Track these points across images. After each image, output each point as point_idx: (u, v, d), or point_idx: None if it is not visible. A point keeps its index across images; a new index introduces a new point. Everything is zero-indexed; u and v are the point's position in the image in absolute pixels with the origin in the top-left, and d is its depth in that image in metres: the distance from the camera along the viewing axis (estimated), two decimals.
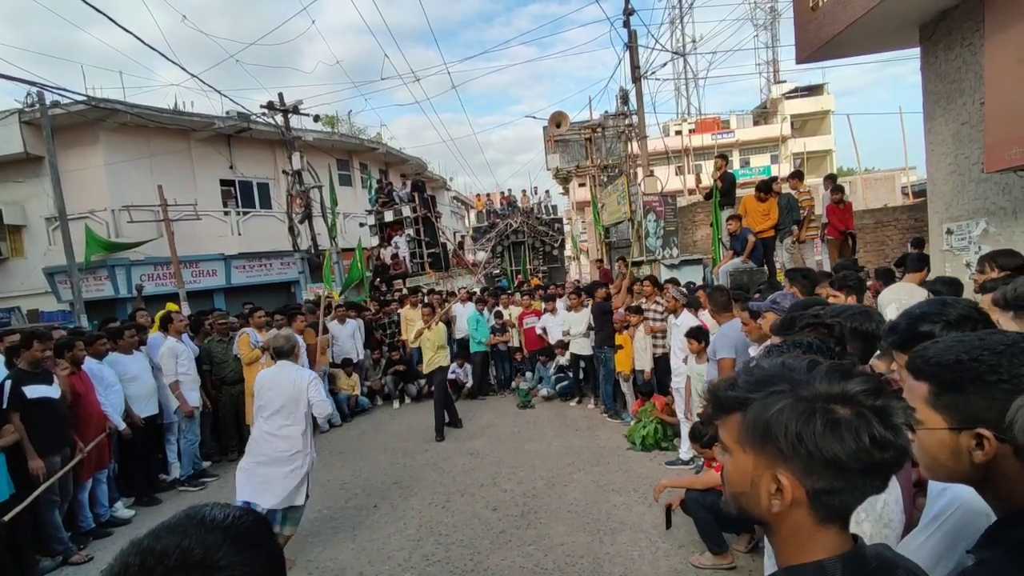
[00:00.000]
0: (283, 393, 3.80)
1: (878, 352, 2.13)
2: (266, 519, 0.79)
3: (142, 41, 8.43)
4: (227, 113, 16.80)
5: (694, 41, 28.53)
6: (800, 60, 6.02)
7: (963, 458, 0.97)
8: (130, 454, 5.48)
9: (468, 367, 9.16)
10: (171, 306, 6.80)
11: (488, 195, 23.75)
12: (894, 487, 1.38)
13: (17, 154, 14.02)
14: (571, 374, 8.36)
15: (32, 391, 4.20)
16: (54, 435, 4.29)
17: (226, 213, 17.20)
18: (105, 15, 7.19)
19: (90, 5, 6.86)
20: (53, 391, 4.34)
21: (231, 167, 17.39)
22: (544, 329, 8.82)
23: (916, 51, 5.51)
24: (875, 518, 1.32)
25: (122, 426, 5.14)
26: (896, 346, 1.55)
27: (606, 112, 17.25)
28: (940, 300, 1.69)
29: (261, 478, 3.75)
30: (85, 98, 12.35)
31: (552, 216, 21.49)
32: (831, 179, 8.63)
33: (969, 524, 1.18)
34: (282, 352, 3.93)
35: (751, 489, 0.82)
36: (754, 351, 3.26)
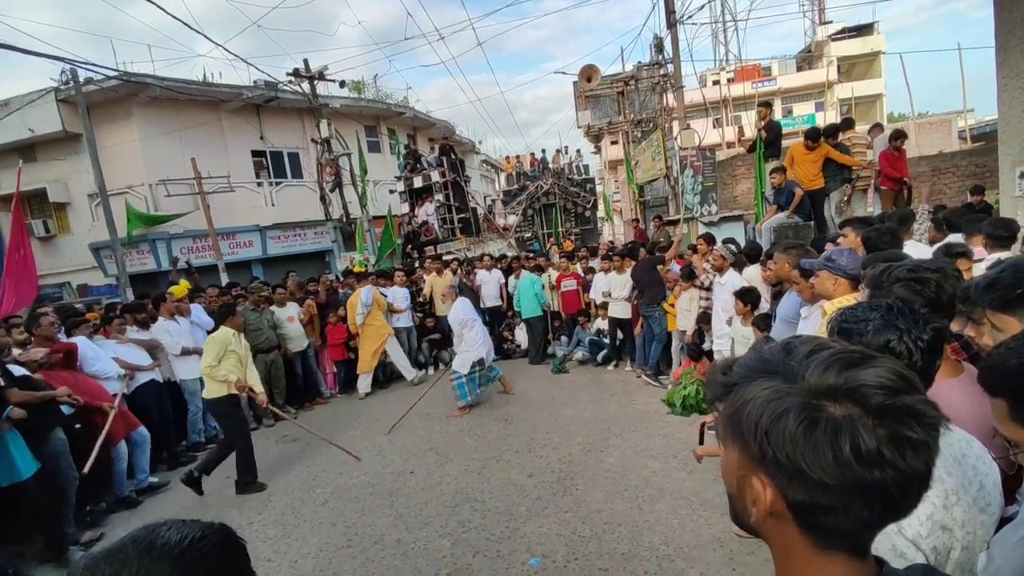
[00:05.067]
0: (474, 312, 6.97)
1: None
2: (238, 538, 0.65)
3: (166, 11, 8.35)
4: (255, 83, 16.77)
5: None
6: None
7: None
8: (163, 421, 5.69)
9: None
10: (184, 284, 7.07)
11: (518, 157, 23.06)
12: (992, 468, 1.18)
13: (56, 132, 14.37)
14: (608, 340, 8.15)
15: (16, 370, 4.19)
16: (45, 413, 4.19)
17: (259, 184, 17.38)
18: None
19: None
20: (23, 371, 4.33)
21: (261, 137, 17.46)
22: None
23: None
24: (969, 502, 1.12)
25: (118, 373, 5.20)
26: (996, 305, 1.31)
27: (639, 63, 16.48)
28: None
29: (487, 349, 6.77)
30: (117, 73, 12.46)
31: (584, 176, 20.82)
32: (879, 128, 8.08)
33: None
34: (461, 292, 7.48)
35: (737, 492, 0.69)
36: (805, 312, 3.02)
